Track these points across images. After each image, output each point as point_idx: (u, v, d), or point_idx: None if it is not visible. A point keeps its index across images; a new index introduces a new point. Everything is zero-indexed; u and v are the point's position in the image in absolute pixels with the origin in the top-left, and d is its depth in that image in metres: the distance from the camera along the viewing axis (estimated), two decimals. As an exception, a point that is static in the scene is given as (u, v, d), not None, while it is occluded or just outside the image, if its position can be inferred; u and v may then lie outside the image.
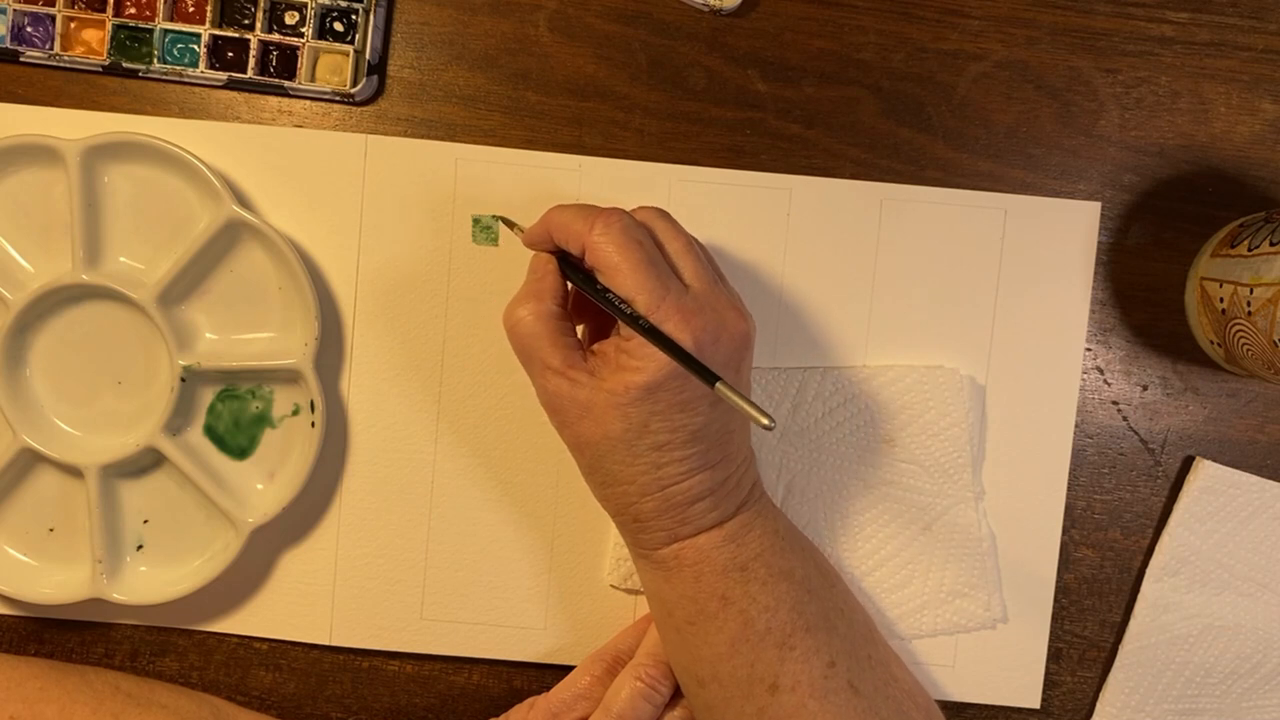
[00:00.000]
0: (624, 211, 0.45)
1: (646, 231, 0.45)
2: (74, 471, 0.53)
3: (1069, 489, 0.54)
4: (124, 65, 0.53)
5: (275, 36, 0.53)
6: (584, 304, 0.49)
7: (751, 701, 0.46)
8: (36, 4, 0.53)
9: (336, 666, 0.55)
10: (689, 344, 0.43)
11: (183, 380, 0.52)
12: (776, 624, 0.46)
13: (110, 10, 0.53)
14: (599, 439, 0.45)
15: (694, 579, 0.46)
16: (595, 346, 0.46)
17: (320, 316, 0.52)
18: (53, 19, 0.53)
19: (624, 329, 0.44)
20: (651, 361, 0.43)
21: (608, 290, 0.44)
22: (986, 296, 0.54)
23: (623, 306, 0.44)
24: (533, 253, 0.48)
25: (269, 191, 0.53)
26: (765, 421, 0.39)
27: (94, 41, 0.53)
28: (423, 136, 0.54)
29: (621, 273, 0.43)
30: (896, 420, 0.54)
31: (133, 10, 0.53)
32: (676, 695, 0.50)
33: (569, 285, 0.47)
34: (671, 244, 0.46)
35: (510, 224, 0.52)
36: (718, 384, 0.41)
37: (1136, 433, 0.55)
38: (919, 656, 0.54)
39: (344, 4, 0.53)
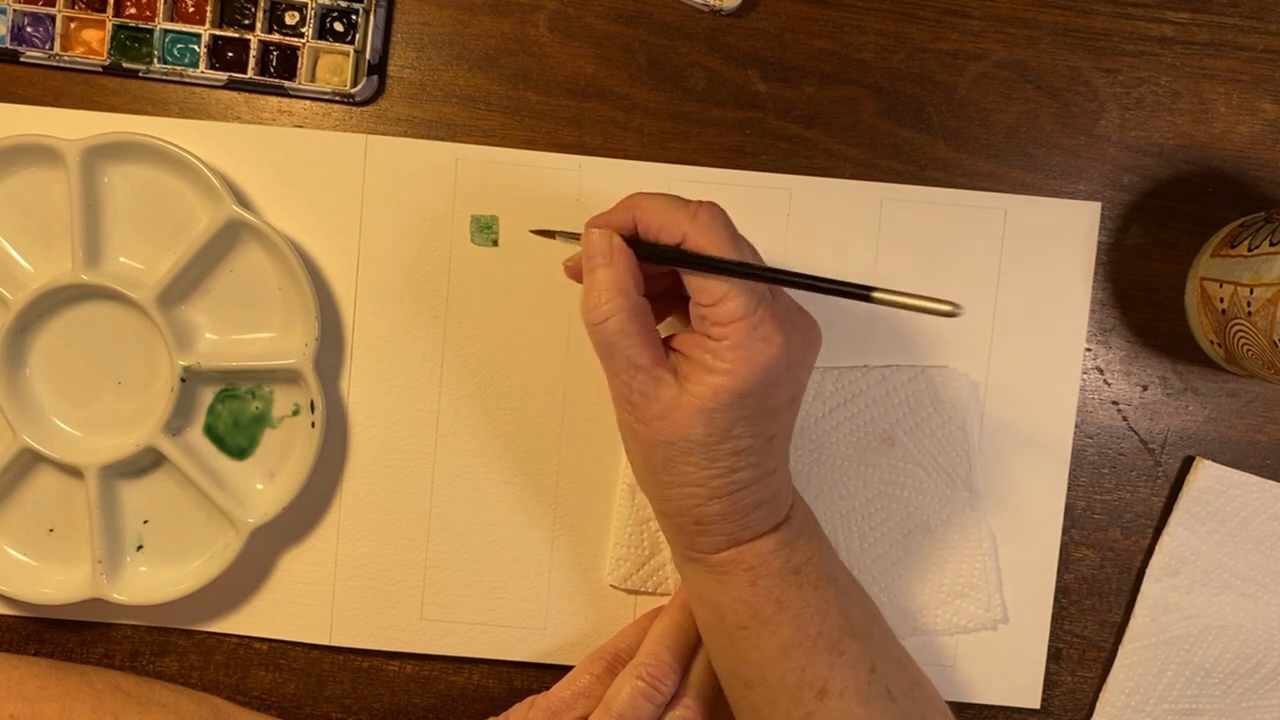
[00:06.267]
0: (719, 205, 0.44)
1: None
2: (74, 471, 0.53)
3: (1069, 489, 0.54)
4: (124, 65, 0.53)
5: (275, 36, 0.53)
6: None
7: (800, 706, 0.45)
8: (36, 4, 0.53)
9: (336, 666, 0.55)
10: (783, 348, 0.42)
11: (183, 380, 0.52)
12: (827, 629, 0.45)
13: (110, 10, 0.53)
14: (677, 440, 0.43)
15: (750, 583, 0.45)
16: (673, 343, 0.44)
17: (320, 316, 0.52)
18: (53, 19, 0.53)
19: (715, 329, 0.42)
20: (744, 365, 0.41)
21: (719, 260, 0.42)
22: (986, 296, 0.54)
23: (753, 266, 0.41)
24: (581, 243, 0.45)
25: (269, 191, 0.53)
26: (946, 309, 0.38)
27: (94, 41, 0.53)
28: (423, 136, 0.54)
29: None
30: (896, 420, 0.54)
31: (133, 10, 0.53)
32: (677, 694, 0.50)
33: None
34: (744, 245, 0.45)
35: (549, 234, 0.50)
36: (875, 292, 0.39)
37: (1136, 433, 0.55)
38: (919, 656, 0.54)
39: (344, 4, 0.53)
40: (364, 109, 0.54)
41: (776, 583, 0.45)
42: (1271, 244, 0.48)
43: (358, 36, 0.53)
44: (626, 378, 0.43)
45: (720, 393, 0.42)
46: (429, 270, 0.54)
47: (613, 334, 0.43)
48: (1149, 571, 0.55)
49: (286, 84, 0.53)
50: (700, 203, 0.43)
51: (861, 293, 0.40)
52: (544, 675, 0.55)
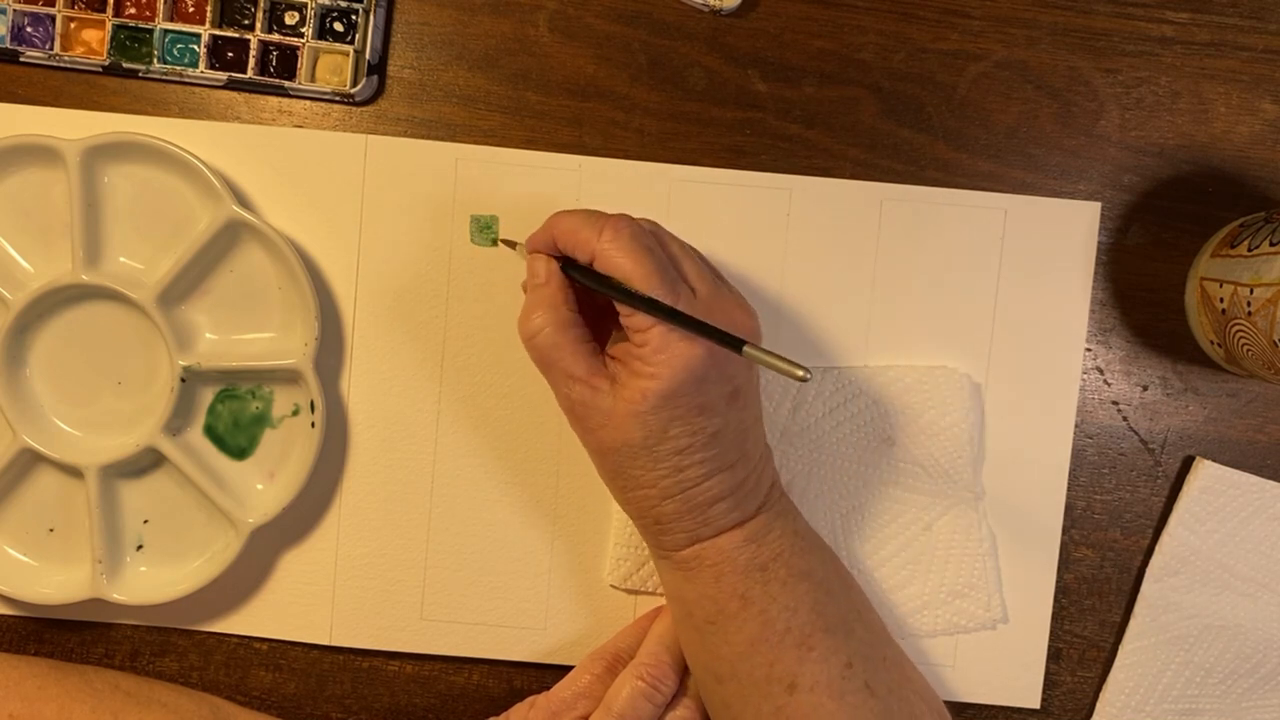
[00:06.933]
0: (630, 217, 0.45)
1: (653, 237, 0.45)
2: (74, 471, 0.53)
3: (1069, 489, 0.54)
4: (124, 65, 0.53)
5: (275, 36, 0.53)
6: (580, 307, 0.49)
7: (769, 700, 0.46)
8: (36, 4, 0.53)
9: (336, 666, 0.55)
10: (705, 347, 0.43)
11: (183, 380, 0.52)
12: (796, 624, 0.46)
13: (110, 10, 0.53)
14: (620, 445, 0.45)
15: (715, 579, 0.46)
16: (610, 351, 0.46)
17: (320, 316, 0.52)
18: (53, 19, 0.53)
19: (636, 336, 0.44)
20: (666, 368, 0.43)
21: (620, 284, 0.44)
22: (986, 296, 0.54)
23: (639, 295, 0.43)
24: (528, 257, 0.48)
25: (269, 191, 0.53)
26: (800, 374, 0.40)
27: (94, 41, 0.53)
28: (423, 136, 0.54)
29: (633, 280, 0.43)
30: (897, 420, 0.54)
31: (133, 10, 0.53)
32: (677, 695, 0.50)
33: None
34: (670, 246, 0.46)
35: (511, 244, 0.52)
36: (745, 347, 0.41)
37: (1136, 433, 0.55)
38: (919, 656, 0.54)
39: (344, 4, 0.53)
40: (364, 109, 0.54)
41: (741, 579, 0.46)
42: (1271, 244, 0.48)
43: (357, 36, 0.53)
44: (565, 389, 0.45)
45: (648, 395, 0.43)
46: (429, 270, 0.54)
47: (545, 346, 0.45)
48: (1149, 571, 0.55)
49: (286, 84, 0.53)
50: (608, 220, 0.45)
51: (735, 344, 0.42)
52: (544, 675, 0.55)
